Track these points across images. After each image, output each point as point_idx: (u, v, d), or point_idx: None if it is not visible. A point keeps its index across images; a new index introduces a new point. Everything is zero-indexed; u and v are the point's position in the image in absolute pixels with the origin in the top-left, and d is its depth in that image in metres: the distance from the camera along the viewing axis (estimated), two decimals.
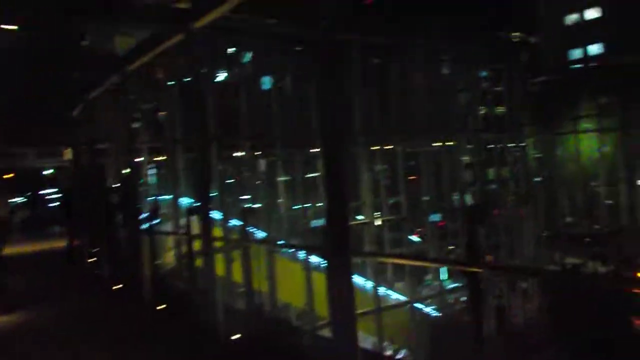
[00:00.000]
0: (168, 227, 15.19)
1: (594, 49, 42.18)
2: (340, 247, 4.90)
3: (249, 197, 23.15)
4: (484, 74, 34.59)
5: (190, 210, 7.72)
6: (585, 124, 38.27)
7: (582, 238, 36.37)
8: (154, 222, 10.17)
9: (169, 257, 14.11)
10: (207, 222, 6.45)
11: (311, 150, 24.34)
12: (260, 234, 20.52)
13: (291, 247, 17.21)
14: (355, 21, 23.14)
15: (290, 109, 23.42)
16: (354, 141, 23.56)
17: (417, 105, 27.05)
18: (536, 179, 36.14)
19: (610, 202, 37.73)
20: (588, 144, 38.36)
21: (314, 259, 15.73)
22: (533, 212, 33.16)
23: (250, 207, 21.99)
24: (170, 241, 14.79)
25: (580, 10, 42.17)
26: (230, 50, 24.41)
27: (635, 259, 32.33)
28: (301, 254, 20.08)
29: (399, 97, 26.49)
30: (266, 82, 24.52)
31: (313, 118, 23.35)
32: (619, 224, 36.82)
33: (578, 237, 36.69)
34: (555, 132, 38.45)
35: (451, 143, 30.34)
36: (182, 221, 10.30)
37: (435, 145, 28.88)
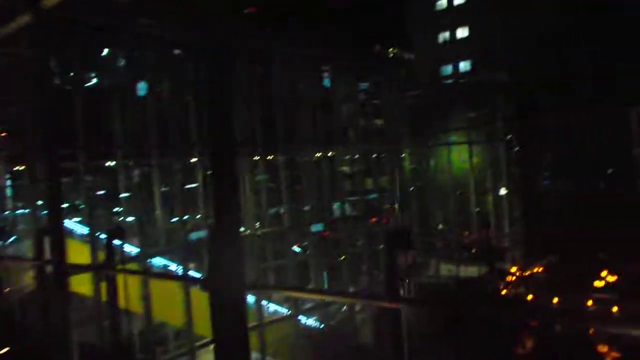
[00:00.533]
0: (25, 245, 13.46)
1: (464, 66, 44.87)
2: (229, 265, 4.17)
3: (122, 209, 21.48)
4: (363, 86, 35.34)
5: (43, 229, 6.52)
6: (456, 137, 40.43)
7: (465, 246, 38.31)
8: (3, 241, 8.63)
9: (25, 283, 12.36)
10: (59, 243, 5.42)
11: (191, 160, 23.20)
12: (134, 249, 19.05)
13: (169, 277, 15.95)
14: (238, 28, 22.47)
15: (168, 116, 22.11)
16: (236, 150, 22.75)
17: (299, 116, 26.89)
18: (411, 189, 37.44)
19: (478, 210, 40.06)
20: (458, 155, 40.53)
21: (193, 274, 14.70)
22: (409, 220, 34.28)
23: (122, 220, 20.37)
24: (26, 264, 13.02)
25: (451, 29, 44.70)
26: (103, 51, 22.65)
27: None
28: (179, 269, 18.91)
29: (281, 107, 26.12)
30: (142, 87, 23.00)
31: (192, 126, 22.30)
32: (491, 230, 39.31)
33: (457, 245, 38.60)
34: (429, 144, 40.23)
35: (332, 153, 30.58)
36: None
37: (317, 156, 28.88)
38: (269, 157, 26.43)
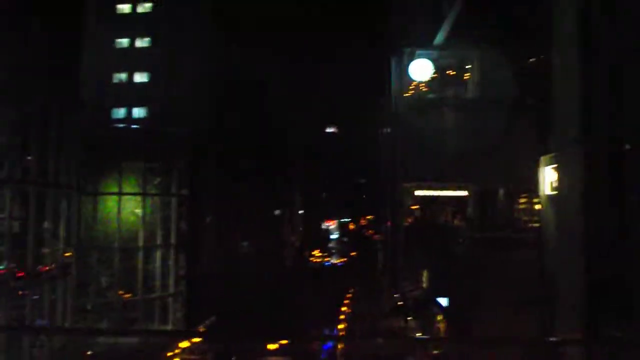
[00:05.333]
0: None
1: (139, 112, 42.09)
2: None
3: None
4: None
5: None
6: (127, 186, 36.99)
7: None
8: None
9: None
10: None
11: None
12: None
13: None
14: None
15: None
16: None
17: None
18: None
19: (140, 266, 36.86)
20: (127, 205, 37.05)
21: None
22: (72, 280, 29.14)
23: None
24: None
25: (129, 71, 41.62)
26: None
27: None
28: None
29: None
30: None
31: None
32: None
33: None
34: (98, 192, 35.78)
35: None
36: None
37: None
38: None
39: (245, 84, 50.70)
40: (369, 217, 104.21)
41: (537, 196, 23.23)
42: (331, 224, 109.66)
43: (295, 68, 63.86)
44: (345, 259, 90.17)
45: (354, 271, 70.85)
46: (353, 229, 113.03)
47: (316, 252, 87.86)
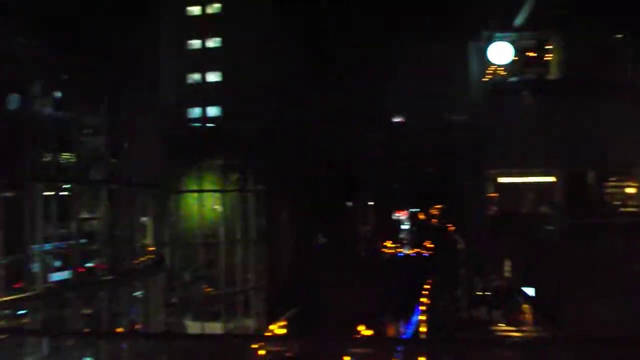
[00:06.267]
0: None
1: (213, 110, 43.13)
2: None
3: None
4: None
5: None
6: (206, 183, 38.20)
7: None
8: None
9: None
10: None
11: None
12: None
13: None
14: None
15: None
16: None
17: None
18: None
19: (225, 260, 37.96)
20: (208, 202, 38.24)
21: None
22: (163, 275, 30.39)
23: None
24: None
25: (202, 71, 42.74)
26: None
27: None
28: None
29: None
30: None
31: None
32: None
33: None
34: (180, 190, 37.12)
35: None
36: None
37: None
38: None
39: (315, 77, 50.87)
40: (438, 206, 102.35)
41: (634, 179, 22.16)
42: (402, 215, 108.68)
43: (364, 57, 63.22)
44: (418, 250, 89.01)
45: (429, 262, 69.91)
46: (423, 219, 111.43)
47: (388, 243, 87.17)
